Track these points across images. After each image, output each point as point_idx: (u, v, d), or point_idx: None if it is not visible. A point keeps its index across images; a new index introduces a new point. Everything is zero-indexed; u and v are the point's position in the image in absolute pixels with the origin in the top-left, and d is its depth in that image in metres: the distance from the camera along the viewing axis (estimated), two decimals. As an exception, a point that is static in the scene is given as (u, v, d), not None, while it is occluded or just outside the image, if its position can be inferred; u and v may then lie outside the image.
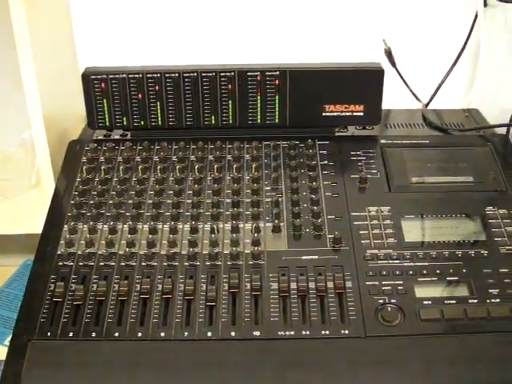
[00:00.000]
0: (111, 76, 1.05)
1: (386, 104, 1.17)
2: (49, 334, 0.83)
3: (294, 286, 0.88)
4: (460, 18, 1.26)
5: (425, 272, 0.90)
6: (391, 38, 1.27)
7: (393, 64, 1.27)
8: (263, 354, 0.82)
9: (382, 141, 1.10)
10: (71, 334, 0.83)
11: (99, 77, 1.05)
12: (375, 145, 1.09)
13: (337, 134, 1.12)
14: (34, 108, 1.07)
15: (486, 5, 1.22)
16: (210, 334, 0.83)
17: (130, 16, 1.28)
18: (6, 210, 1.19)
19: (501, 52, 1.22)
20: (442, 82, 1.28)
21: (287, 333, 0.83)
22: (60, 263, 0.91)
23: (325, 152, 1.07)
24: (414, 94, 1.30)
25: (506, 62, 1.20)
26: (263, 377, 0.80)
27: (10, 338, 1.24)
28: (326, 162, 1.05)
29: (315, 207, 0.97)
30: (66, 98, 1.21)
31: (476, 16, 1.22)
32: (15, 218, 1.17)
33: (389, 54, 1.27)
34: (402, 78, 1.28)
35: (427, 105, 1.29)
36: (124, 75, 1.05)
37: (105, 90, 1.06)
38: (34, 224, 1.06)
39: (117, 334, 0.83)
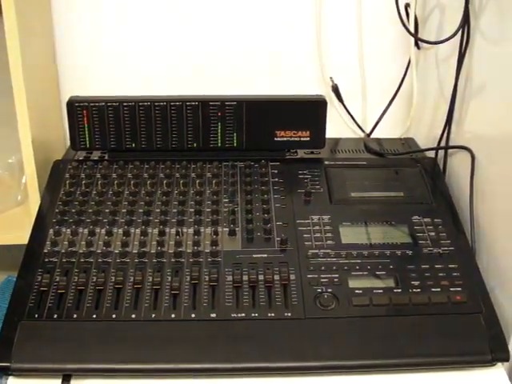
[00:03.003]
0: (92, 104, 1.18)
1: (333, 134, 1.34)
2: (36, 316, 0.96)
3: (245, 278, 1.01)
4: (397, 60, 1.41)
5: (357, 268, 1.04)
6: (338, 78, 1.43)
7: (339, 99, 1.44)
8: (218, 332, 0.95)
9: (326, 162, 1.24)
10: (55, 316, 0.96)
11: (81, 104, 1.18)
12: (320, 166, 1.24)
13: (287, 156, 1.26)
14: (24, 134, 1.19)
15: (419, 47, 1.38)
16: (173, 315, 0.96)
17: (107, 56, 1.43)
18: (-6, 225, 1.30)
19: (433, 87, 1.35)
20: (383, 115, 1.44)
21: (239, 315, 0.97)
22: (46, 259, 1.03)
23: (276, 171, 1.21)
24: (358, 126, 1.47)
25: (437, 97, 1.33)
26: (218, 350, 0.94)
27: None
28: (276, 179, 1.19)
29: (266, 215, 1.11)
30: (50, 124, 1.35)
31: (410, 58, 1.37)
32: (1, 231, 1.28)
33: (336, 90, 1.44)
34: (347, 111, 1.45)
35: (369, 134, 1.45)
36: (103, 103, 1.19)
37: (86, 116, 1.19)
38: (20, 236, 1.19)
39: (94, 316, 0.96)
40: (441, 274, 1.04)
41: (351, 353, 0.95)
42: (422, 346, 0.96)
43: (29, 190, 1.24)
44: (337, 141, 1.39)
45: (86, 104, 1.19)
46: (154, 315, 0.97)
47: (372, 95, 1.48)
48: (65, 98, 1.21)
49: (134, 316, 0.97)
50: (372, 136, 1.45)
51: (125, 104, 1.19)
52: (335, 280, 1.02)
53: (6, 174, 1.40)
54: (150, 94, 1.22)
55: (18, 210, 1.35)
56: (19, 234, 1.20)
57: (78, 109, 1.19)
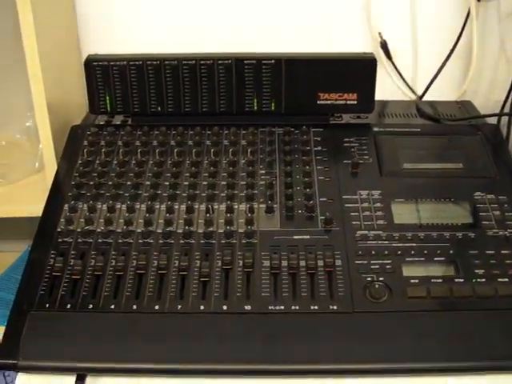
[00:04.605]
0: (112, 63, 1.08)
1: (381, 95, 1.21)
2: (47, 305, 0.86)
3: (285, 263, 0.90)
4: (454, 13, 1.29)
5: (413, 252, 0.93)
6: (387, 33, 1.31)
7: (388, 56, 1.31)
8: (253, 327, 0.85)
9: (375, 129, 1.13)
10: (69, 306, 0.86)
11: (101, 63, 1.08)
12: (368, 132, 1.12)
13: (331, 121, 1.14)
14: (37, 95, 1.10)
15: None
16: (202, 307, 0.86)
17: (131, 5, 1.31)
18: (10, 194, 1.22)
19: (494, 45, 1.25)
20: (437, 75, 1.31)
21: (277, 307, 0.86)
22: (60, 240, 0.94)
23: (319, 138, 1.10)
24: (409, 86, 1.34)
25: (498, 55, 1.23)
26: (252, 349, 0.83)
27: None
28: (319, 147, 1.08)
29: (308, 190, 1.00)
30: (69, 85, 1.25)
31: (469, 11, 1.25)
32: (18, 201, 1.20)
33: (384, 46, 1.30)
34: (397, 70, 1.33)
35: (421, 97, 1.32)
36: (124, 62, 1.08)
37: (106, 77, 1.09)
38: (37, 207, 1.09)
39: (113, 307, 0.86)
40: (508, 261, 0.92)
41: (405, 353, 0.84)
42: (487, 346, 0.84)
43: (44, 157, 1.17)
44: (385, 103, 1.27)
45: (106, 63, 1.09)
46: (180, 306, 0.87)
47: (425, 53, 1.35)
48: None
49: (157, 307, 0.87)
50: (424, 99, 1.33)
51: (149, 63, 1.09)
52: (387, 267, 0.91)
53: (24, 139, 1.34)
54: (177, 51, 1.11)
55: (36, 178, 1.27)
56: (38, 205, 1.10)
57: (96, 68, 1.09)
